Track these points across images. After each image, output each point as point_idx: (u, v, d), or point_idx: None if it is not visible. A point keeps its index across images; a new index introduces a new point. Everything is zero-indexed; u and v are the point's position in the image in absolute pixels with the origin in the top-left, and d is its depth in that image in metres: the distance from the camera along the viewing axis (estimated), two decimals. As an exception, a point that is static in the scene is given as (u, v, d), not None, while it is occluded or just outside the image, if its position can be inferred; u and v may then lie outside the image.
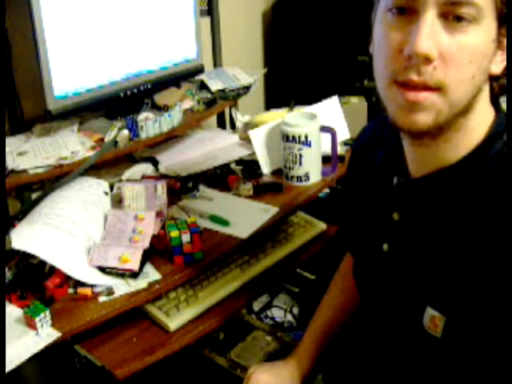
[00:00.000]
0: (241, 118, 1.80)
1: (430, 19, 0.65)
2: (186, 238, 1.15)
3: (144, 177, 1.48)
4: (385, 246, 0.82)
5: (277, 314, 1.96)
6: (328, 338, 1.04)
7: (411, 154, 0.78)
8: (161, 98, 1.58)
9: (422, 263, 0.76)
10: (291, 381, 1.00)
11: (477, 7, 0.64)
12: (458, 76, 0.67)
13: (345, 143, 1.64)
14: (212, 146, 1.67)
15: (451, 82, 0.67)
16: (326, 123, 1.47)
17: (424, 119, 0.68)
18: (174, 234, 1.15)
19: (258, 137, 1.53)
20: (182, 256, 1.16)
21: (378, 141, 0.90)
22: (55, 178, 1.28)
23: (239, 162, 1.58)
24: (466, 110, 0.69)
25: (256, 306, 1.95)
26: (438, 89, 0.67)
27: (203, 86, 1.72)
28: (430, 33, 0.65)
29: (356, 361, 0.95)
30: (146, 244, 1.16)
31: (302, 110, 1.59)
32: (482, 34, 0.66)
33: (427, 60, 0.65)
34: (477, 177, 0.71)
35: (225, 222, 1.31)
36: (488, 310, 0.68)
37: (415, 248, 0.77)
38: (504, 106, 0.75)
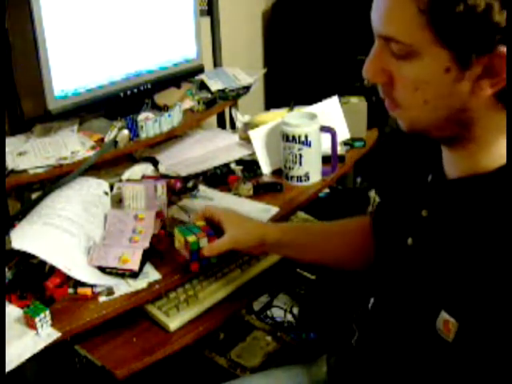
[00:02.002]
0: (241, 118, 1.80)
1: (377, 46, 0.71)
2: (203, 242, 1.08)
3: (144, 177, 1.48)
4: (409, 240, 0.82)
5: (277, 313, 1.96)
6: (303, 242, 1.11)
7: (446, 155, 0.79)
8: (161, 98, 1.58)
9: (442, 264, 0.75)
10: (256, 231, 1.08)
11: (404, 44, 0.67)
12: (407, 99, 0.72)
13: (345, 143, 1.64)
14: (212, 146, 1.67)
15: (403, 102, 0.72)
16: (326, 123, 1.47)
17: (402, 125, 0.76)
18: (192, 239, 1.07)
19: (257, 137, 1.53)
20: (199, 261, 1.11)
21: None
22: (55, 178, 1.28)
23: (239, 161, 1.58)
24: (451, 124, 0.71)
25: (256, 306, 1.95)
26: (397, 105, 0.74)
27: (203, 86, 1.73)
28: (376, 59, 0.71)
29: (363, 354, 0.94)
30: (146, 244, 1.16)
31: (302, 110, 1.59)
32: (424, 65, 0.67)
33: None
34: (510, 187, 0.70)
35: (225, 222, 1.30)
36: (504, 322, 0.66)
37: (438, 247, 0.77)
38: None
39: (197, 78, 1.73)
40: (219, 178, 1.50)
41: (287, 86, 2.24)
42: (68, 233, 1.14)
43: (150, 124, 1.42)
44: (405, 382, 0.82)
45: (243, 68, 1.87)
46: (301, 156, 1.43)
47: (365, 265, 1.05)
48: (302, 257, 1.14)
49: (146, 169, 1.53)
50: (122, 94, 1.45)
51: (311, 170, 1.46)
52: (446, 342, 0.72)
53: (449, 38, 0.65)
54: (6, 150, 1.28)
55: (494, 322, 0.68)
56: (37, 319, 0.97)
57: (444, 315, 0.72)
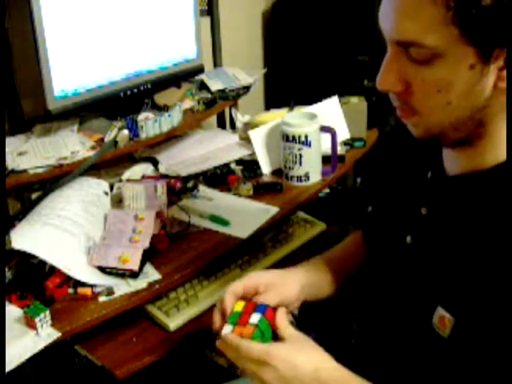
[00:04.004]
0: (241, 118, 1.80)
1: (392, 54, 0.68)
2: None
3: (144, 177, 1.48)
4: (408, 239, 0.82)
5: (277, 313, 1.95)
6: (330, 271, 1.00)
7: (447, 152, 0.78)
8: (161, 98, 1.58)
9: (440, 261, 0.75)
10: (295, 280, 0.94)
11: (428, 48, 0.64)
12: (428, 104, 0.69)
13: (345, 143, 1.64)
14: (212, 146, 1.67)
15: (422, 109, 0.70)
16: (326, 123, 1.47)
17: (417, 132, 0.74)
18: (257, 335, 0.80)
19: (257, 137, 1.53)
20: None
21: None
22: (55, 178, 1.28)
23: (239, 161, 1.58)
24: (470, 123, 0.69)
25: (256, 306, 1.95)
26: (414, 112, 0.71)
27: (203, 86, 1.72)
28: (391, 69, 0.68)
29: (363, 354, 0.94)
30: (146, 244, 1.16)
31: (302, 110, 1.59)
32: (447, 66, 0.64)
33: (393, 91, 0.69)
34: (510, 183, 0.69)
35: (225, 222, 1.31)
36: (501, 319, 0.67)
37: (437, 245, 0.77)
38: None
39: (197, 78, 1.73)
40: (219, 177, 1.50)
41: (287, 86, 2.24)
42: (68, 233, 1.14)
43: (150, 124, 1.42)
44: (404, 381, 0.82)
45: (243, 68, 1.87)
46: (301, 156, 1.43)
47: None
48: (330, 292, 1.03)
49: (146, 169, 1.53)
50: (122, 94, 1.45)
51: (311, 170, 1.46)
52: (442, 337, 0.72)
53: (475, 34, 0.62)
54: (6, 149, 1.28)
55: (490, 318, 0.68)
56: (37, 319, 0.97)
57: (440, 311, 0.72)
